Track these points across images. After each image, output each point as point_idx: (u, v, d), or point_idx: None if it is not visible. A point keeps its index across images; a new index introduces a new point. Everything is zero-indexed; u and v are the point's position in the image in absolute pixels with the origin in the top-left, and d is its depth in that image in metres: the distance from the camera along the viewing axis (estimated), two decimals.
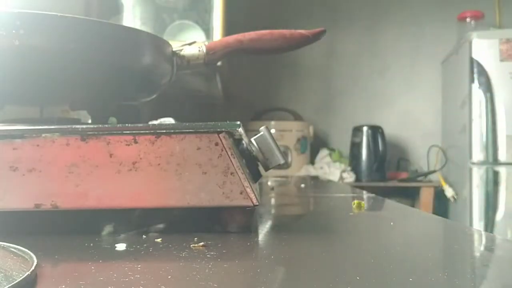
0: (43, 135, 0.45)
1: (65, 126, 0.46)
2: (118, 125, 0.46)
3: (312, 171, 2.04)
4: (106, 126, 0.46)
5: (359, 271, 0.33)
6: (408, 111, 2.37)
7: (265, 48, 0.65)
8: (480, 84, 1.83)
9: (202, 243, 0.42)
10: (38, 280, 0.31)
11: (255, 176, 0.50)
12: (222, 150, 0.45)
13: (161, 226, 0.53)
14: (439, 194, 2.11)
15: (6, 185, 0.45)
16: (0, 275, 0.30)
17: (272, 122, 2.09)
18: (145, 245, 0.42)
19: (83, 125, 0.47)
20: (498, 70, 1.82)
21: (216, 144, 0.45)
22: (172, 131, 0.45)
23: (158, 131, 0.45)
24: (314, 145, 2.24)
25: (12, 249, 0.36)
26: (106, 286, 0.30)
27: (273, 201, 0.88)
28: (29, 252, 0.34)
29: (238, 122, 0.46)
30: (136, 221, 0.54)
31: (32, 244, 0.36)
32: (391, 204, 0.77)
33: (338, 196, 0.97)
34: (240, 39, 0.63)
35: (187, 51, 0.63)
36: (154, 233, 0.47)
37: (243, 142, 0.49)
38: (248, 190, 0.45)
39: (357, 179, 2.13)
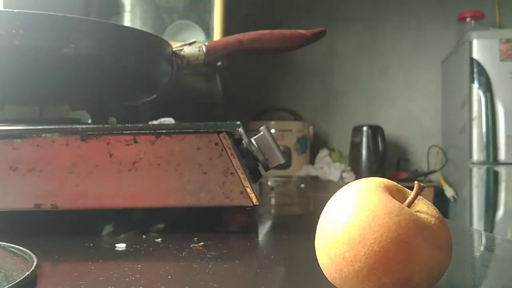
0: (43, 135, 0.45)
1: (65, 126, 0.46)
2: (118, 125, 0.46)
3: (312, 171, 2.04)
4: (106, 126, 0.46)
5: None
6: (408, 111, 2.37)
7: (265, 48, 0.65)
8: (480, 84, 1.83)
9: (202, 243, 0.42)
10: (38, 280, 0.31)
11: (255, 176, 0.50)
12: (222, 150, 0.45)
13: (161, 226, 0.52)
14: (439, 194, 2.11)
15: (6, 185, 0.45)
16: (0, 275, 0.30)
17: (272, 122, 2.08)
18: (145, 245, 0.42)
19: (83, 125, 0.47)
20: (498, 70, 1.82)
21: (216, 144, 0.45)
22: (172, 131, 0.45)
23: (158, 131, 0.45)
24: (314, 145, 2.24)
25: (12, 249, 0.36)
26: (106, 286, 0.30)
27: (273, 201, 0.88)
28: (29, 252, 0.34)
29: (238, 122, 0.46)
30: (136, 221, 0.54)
31: (32, 244, 0.36)
32: None
33: None
34: (240, 39, 0.63)
35: (187, 51, 0.63)
36: (154, 233, 0.47)
37: (243, 142, 0.49)
38: (248, 190, 0.45)
39: (357, 179, 2.11)
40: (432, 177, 2.25)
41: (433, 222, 0.26)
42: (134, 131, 0.45)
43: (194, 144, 0.45)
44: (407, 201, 0.27)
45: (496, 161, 1.81)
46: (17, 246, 0.36)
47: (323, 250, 0.27)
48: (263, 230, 0.52)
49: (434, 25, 2.35)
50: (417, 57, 2.37)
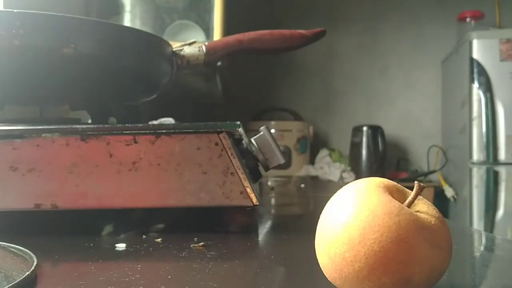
0: (43, 135, 0.45)
1: (65, 126, 0.46)
2: (118, 125, 0.46)
3: (312, 171, 2.04)
4: (106, 126, 0.46)
5: None
6: (408, 111, 2.37)
7: (265, 48, 0.65)
8: (480, 84, 1.83)
9: (202, 243, 0.42)
10: (38, 280, 0.31)
11: (255, 176, 0.50)
12: (222, 150, 0.45)
13: (161, 226, 0.52)
14: (439, 194, 2.11)
15: (6, 185, 0.45)
16: (0, 275, 0.30)
17: (272, 122, 2.08)
18: (145, 245, 0.42)
19: (83, 125, 0.47)
20: (498, 70, 1.82)
21: (216, 144, 0.45)
22: (172, 131, 0.45)
23: (158, 131, 0.45)
24: (314, 145, 2.24)
25: (12, 249, 0.36)
26: (106, 286, 0.30)
27: (273, 201, 0.88)
28: (29, 252, 0.34)
29: (238, 122, 0.46)
30: (136, 221, 0.54)
31: (32, 244, 0.36)
32: None
33: None
34: (240, 39, 0.63)
35: (187, 51, 0.63)
36: (154, 233, 0.47)
37: (243, 142, 0.49)
38: (248, 190, 0.45)
39: (357, 179, 2.10)
40: (432, 177, 2.25)
41: (433, 222, 0.26)
42: (134, 131, 0.45)
43: (194, 144, 0.45)
44: (407, 201, 0.27)
45: (496, 161, 1.81)
46: (17, 246, 0.36)
47: (323, 250, 0.27)
48: (263, 230, 0.52)
49: (434, 25, 2.35)
50: (417, 57, 2.37)
